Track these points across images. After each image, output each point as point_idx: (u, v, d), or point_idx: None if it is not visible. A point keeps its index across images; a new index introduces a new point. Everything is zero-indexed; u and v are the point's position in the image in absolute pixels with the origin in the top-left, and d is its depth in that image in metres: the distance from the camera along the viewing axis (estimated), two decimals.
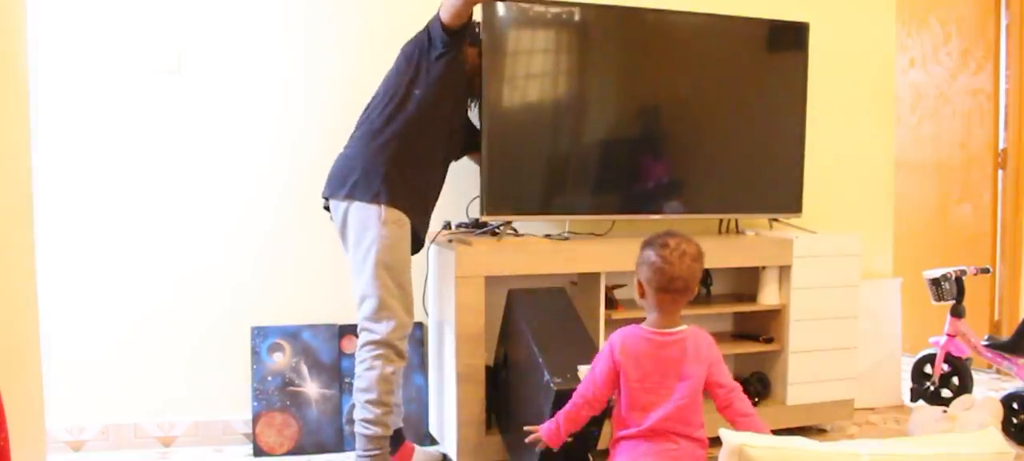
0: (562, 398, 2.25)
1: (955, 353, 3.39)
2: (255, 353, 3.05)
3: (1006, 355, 3.27)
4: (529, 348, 2.46)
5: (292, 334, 3.08)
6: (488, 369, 2.77)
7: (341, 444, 3.06)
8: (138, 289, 3.01)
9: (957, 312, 3.36)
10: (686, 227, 3.27)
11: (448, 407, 2.80)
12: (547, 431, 2.19)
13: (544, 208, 2.96)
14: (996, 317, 4.27)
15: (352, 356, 3.09)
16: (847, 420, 3.34)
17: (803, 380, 3.17)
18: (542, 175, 2.96)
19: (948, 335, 3.39)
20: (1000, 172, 4.28)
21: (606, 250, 2.90)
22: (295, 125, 3.10)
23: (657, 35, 3.09)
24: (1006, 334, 3.76)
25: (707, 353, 2.07)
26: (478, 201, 2.90)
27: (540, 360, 2.38)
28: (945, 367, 3.42)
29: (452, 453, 2.77)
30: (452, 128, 2.73)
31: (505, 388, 2.71)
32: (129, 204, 2.99)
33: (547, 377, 2.33)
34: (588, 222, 3.13)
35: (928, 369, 3.49)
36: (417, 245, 2.71)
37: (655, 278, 2.02)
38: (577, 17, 2.95)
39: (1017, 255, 4.20)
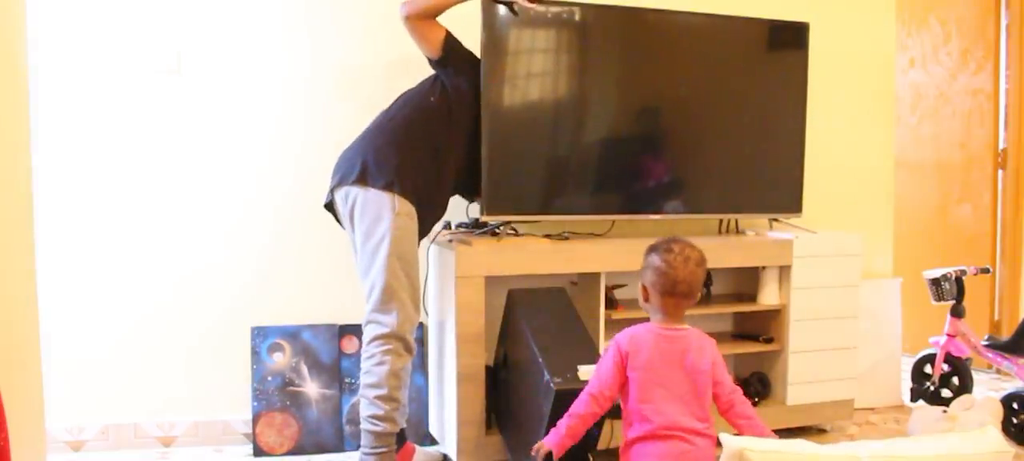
0: (562, 398, 2.25)
1: (955, 353, 3.39)
2: (255, 353, 3.05)
3: (1006, 355, 3.27)
4: (529, 348, 2.46)
5: (292, 334, 3.08)
6: (488, 369, 2.77)
7: (341, 444, 3.06)
8: (138, 289, 3.01)
9: (957, 312, 3.36)
10: (686, 227, 3.29)
11: (448, 407, 2.80)
12: (552, 439, 2.13)
13: (544, 208, 2.96)
14: (996, 317, 4.27)
15: (352, 356, 3.09)
16: (847, 420, 3.34)
17: (803, 380, 3.17)
18: (542, 175, 2.96)
19: (948, 335, 3.39)
20: (1000, 172, 4.28)
21: (606, 250, 2.90)
22: (295, 125, 3.10)
23: (657, 35, 3.09)
24: (1006, 334, 3.76)
25: (711, 351, 2.12)
26: (478, 201, 2.90)
27: (540, 360, 2.38)
28: (945, 367, 3.42)
29: (452, 453, 2.77)
30: (465, 135, 2.75)
31: (505, 388, 2.71)
32: (129, 204, 2.99)
33: (547, 377, 2.33)
34: (588, 222, 3.13)
35: (928, 369, 3.49)
36: None
37: (660, 282, 2.09)
38: (577, 17, 2.95)
39: (1017, 255, 4.20)
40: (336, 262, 3.09)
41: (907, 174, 4.57)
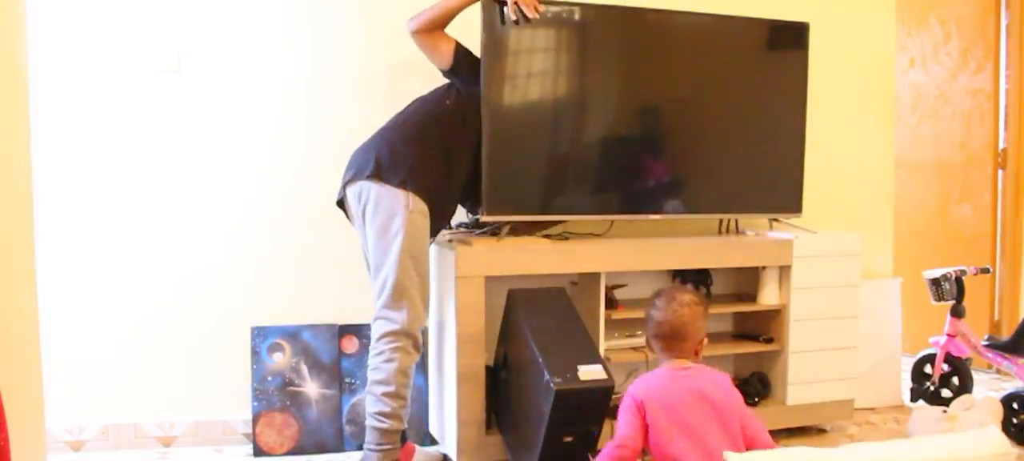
0: (562, 398, 2.27)
1: (955, 353, 3.39)
2: (255, 353, 3.05)
3: (1006, 355, 3.27)
4: (529, 348, 2.46)
5: (292, 334, 3.08)
6: (488, 369, 2.77)
7: (341, 444, 3.06)
8: (138, 289, 3.01)
9: (957, 312, 3.36)
10: (686, 227, 3.30)
11: (448, 407, 2.80)
12: None
13: (544, 208, 2.96)
14: (996, 317, 4.27)
15: (352, 356, 3.10)
16: (847, 420, 3.34)
17: (803, 380, 3.17)
18: (542, 175, 2.96)
19: (948, 335, 3.39)
20: (1000, 172, 4.28)
21: (606, 250, 2.90)
22: (295, 125, 3.10)
23: (657, 35, 3.09)
24: (1006, 334, 3.76)
25: (727, 384, 2.17)
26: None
27: (540, 360, 2.38)
28: (945, 367, 3.42)
29: (452, 453, 2.77)
30: (475, 139, 2.76)
31: (505, 388, 2.71)
32: (129, 204, 2.99)
33: (547, 377, 2.33)
34: (588, 222, 3.13)
35: (928, 369, 3.49)
36: None
37: (654, 329, 2.24)
38: (577, 17, 2.95)
39: (1017, 255, 4.20)
40: (336, 262, 3.09)
41: (907, 174, 4.57)
